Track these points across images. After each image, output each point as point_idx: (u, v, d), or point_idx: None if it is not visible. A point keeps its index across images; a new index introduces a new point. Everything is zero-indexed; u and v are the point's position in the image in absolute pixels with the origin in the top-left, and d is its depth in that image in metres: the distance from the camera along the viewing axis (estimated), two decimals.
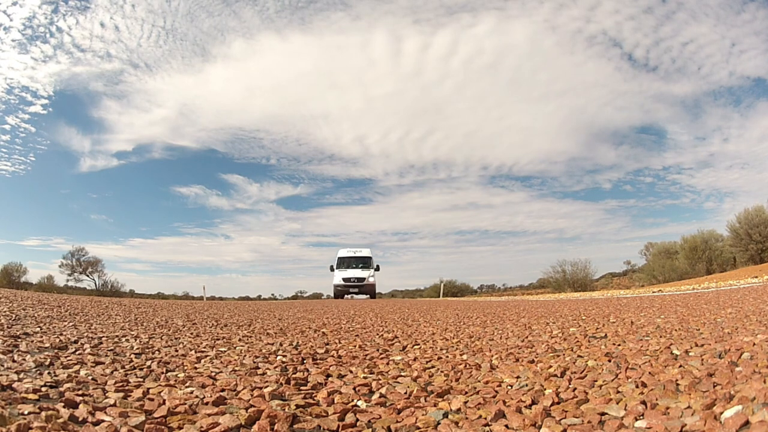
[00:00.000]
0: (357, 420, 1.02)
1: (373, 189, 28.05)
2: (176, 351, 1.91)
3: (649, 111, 25.10)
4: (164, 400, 1.09)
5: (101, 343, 2.06)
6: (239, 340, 2.36)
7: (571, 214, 28.49)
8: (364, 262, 21.31)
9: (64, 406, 0.99)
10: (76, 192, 27.41)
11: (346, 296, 20.09)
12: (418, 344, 2.23)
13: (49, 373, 1.34)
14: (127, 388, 1.21)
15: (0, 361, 1.50)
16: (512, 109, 27.23)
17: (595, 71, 24.03)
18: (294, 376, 1.44)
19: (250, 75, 26.09)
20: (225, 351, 1.95)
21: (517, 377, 1.39)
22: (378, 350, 2.02)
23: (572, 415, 0.99)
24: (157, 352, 1.88)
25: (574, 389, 1.19)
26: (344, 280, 20.36)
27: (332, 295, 20.85)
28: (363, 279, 20.57)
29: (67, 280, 23.13)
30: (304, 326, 3.22)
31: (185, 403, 1.06)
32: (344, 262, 21.40)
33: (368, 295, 20.17)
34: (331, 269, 21.40)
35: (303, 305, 8.01)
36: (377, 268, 21.31)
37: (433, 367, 1.63)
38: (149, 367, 1.54)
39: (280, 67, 25.51)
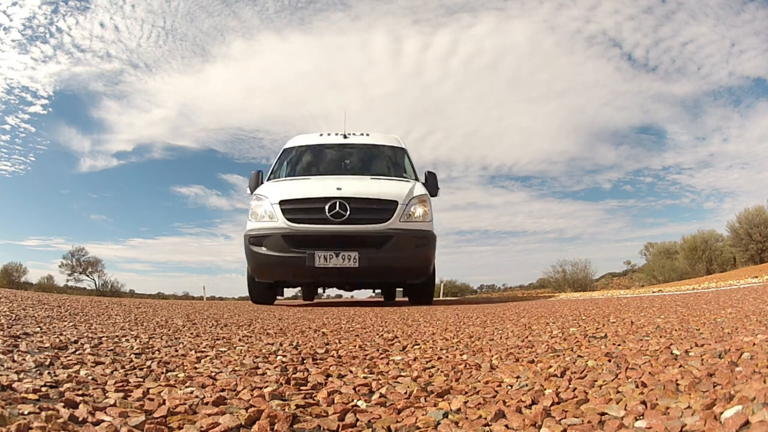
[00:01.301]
0: (357, 420, 1.02)
1: None
2: (176, 351, 1.91)
3: (649, 111, 25.22)
4: (164, 400, 1.09)
5: (101, 343, 2.06)
6: (239, 340, 2.36)
7: (571, 214, 28.54)
8: (378, 163, 6.74)
9: (64, 406, 0.99)
10: (76, 192, 27.50)
11: (315, 296, 7.23)
12: (418, 344, 2.22)
13: (49, 373, 1.34)
14: (127, 388, 1.21)
15: (0, 361, 1.50)
16: (512, 109, 27.30)
17: (594, 71, 24.11)
18: (294, 376, 1.43)
19: (250, 75, 26.18)
20: (225, 351, 1.95)
21: (517, 377, 1.39)
22: (378, 350, 2.02)
23: (572, 415, 0.99)
24: (157, 352, 1.88)
25: (574, 389, 1.19)
26: (291, 216, 5.53)
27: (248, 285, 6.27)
28: (387, 209, 5.43)
29: (67, 280, 23.21)
30: (304, 326, 3.22)
31: (185, 403, 1.06)
32: (311, 163, 6.94)
33: (416, 287, 6.21)
34: (252, 190, 6.62)
35: (303, 305, 8.01)
36: (431, 183, 6.33)
37: (433, 367, 1.62)
38: (149, 367, 1.54)
39: (280, 67, 25.60)
